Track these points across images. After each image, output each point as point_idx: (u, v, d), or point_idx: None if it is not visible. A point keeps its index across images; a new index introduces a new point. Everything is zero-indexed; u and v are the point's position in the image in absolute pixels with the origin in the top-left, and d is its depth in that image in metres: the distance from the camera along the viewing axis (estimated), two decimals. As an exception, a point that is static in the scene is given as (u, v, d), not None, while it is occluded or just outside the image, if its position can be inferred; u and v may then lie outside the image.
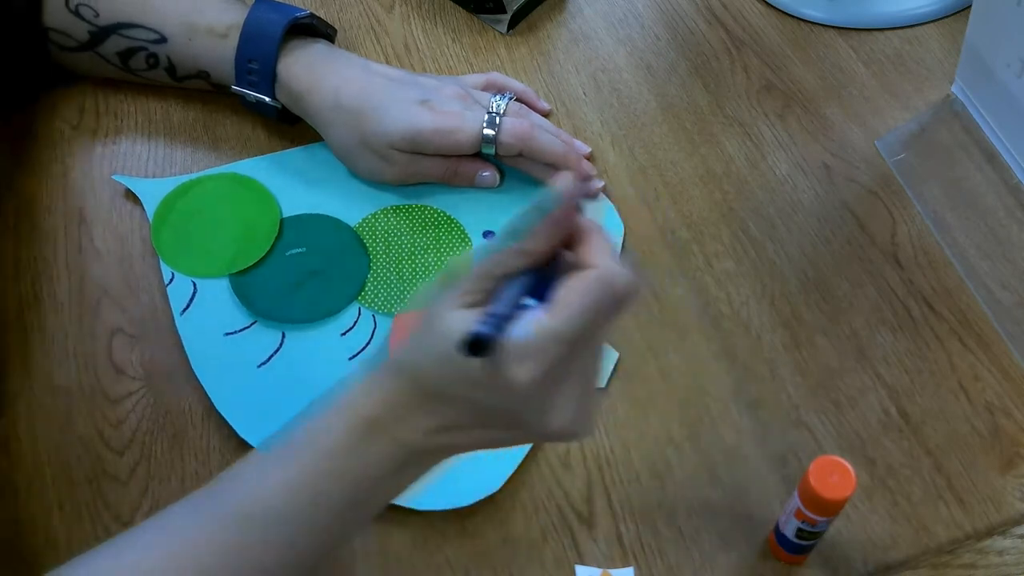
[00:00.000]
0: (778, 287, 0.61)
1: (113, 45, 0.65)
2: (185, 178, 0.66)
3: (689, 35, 0.74)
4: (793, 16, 0.74)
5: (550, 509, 0.53)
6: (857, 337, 0.58)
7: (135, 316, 0.62)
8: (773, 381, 0.57)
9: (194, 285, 0.61)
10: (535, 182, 0.65)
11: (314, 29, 0.67)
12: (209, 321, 0.60)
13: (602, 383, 0.57)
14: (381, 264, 0.63)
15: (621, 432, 0.56)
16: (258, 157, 0.67)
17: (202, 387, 0.58)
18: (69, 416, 0.58)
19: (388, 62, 0.74)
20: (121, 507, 0.55)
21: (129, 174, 0.67)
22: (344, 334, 0.60)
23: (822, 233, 0.63)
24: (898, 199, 0.64)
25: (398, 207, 0.65)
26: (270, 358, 0.59)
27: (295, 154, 0.68)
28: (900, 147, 0.66)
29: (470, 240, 0.64)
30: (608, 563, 0.52)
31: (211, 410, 0.58)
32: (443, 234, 0.64)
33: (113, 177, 0.66)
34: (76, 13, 0.64)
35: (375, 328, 0.60)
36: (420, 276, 0.62)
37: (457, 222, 0.64)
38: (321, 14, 0.77)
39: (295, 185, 0.66)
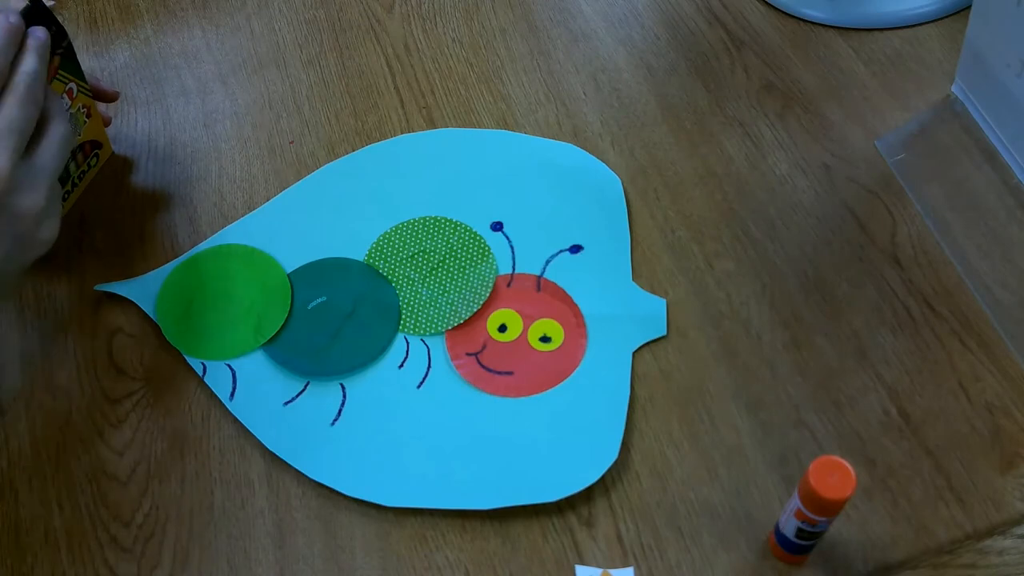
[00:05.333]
0: (778, 287, 0.61)
1: None
2: (171, 267, 0.63)
3: (689, 35, 0.74)
4: (793, 16, 0.74)
5: (550, 509, 0.53)
6: (857, 337, 0.58)
7: (135, 316, 0.62)
8: (773, 381, 0.57)
9: (230, 368, 0.59)
10: (520, 174, 0.66)
11: None
12: (262, 397, 0.58)
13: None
14: (407, 288, 0.61)
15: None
16: (233, 224, 0.65)
17: (268, 449, 0.56)
18: (69, 416, 0.58)
19: (388, 62, 0.74)
20: (121, 507, 0.55)
21: (129, 172, 0.67)
22: (401, 366, 0.59)
23: (822, 233, 0.63)
24: (898, 199, 0.64)
25: (398, 227, 0.64)
26: (340, 413, 0.57)
27: (269, 209, 0.66)
28: (900, 147, 0.66)
29: (481, 237, 0.63)
30: (608, 563, 0.52)
31: (211, 410, 0.58)
32: (453, 239, 0.63)
33: (96, 288, 0.62)
34: None
35: (429, 351, 0.59)
36: (450, 287, 0.61)
37: (461, 223, 0.64)
38: (321, 14, 0.77)
39: (284, 239, 0.64)
